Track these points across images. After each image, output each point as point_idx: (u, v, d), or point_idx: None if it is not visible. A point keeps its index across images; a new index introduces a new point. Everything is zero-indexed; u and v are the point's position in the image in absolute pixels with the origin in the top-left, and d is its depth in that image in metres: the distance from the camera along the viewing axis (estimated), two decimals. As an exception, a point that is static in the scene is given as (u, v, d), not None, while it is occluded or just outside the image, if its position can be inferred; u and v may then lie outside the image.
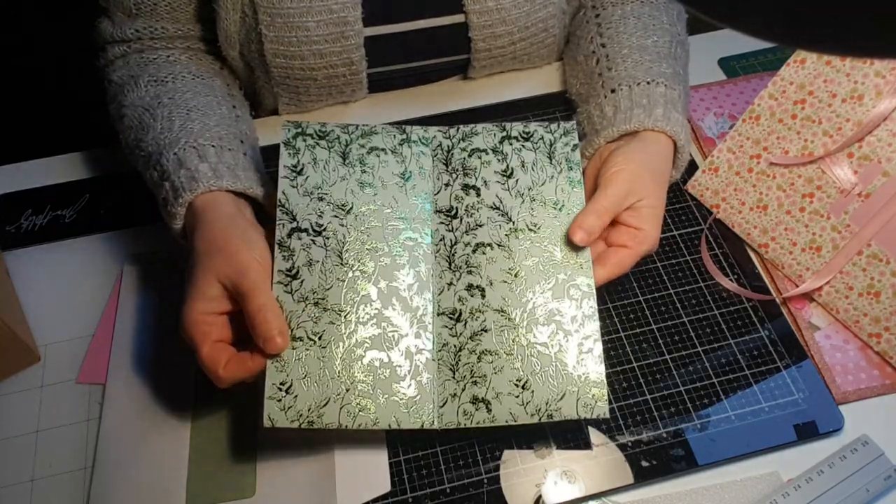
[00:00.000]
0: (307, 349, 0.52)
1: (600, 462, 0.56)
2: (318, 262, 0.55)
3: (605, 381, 0.53)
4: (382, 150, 0.60)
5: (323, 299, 0.53)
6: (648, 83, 0.65)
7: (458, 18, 0.72)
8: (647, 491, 0.56)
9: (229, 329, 0.54)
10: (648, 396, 0.59)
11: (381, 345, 0.53)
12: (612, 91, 0.67)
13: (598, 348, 0.54)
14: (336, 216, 0.57)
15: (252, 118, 0.73)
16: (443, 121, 0.78)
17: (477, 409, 0.52)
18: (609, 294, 0.65)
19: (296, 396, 0.51)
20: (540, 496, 0.55)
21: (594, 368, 0.53)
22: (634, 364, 0.61)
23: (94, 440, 0.58)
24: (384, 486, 0.55)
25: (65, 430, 0.59)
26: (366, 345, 0.53)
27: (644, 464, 0.56)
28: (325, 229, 0.56)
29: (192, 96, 0.66)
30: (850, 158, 0.62)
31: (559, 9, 0.75)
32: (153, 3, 0.68)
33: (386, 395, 0.52)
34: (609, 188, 0.59)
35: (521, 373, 0.53)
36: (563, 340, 0.54)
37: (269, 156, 0.75)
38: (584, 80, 0.72)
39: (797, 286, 0.64)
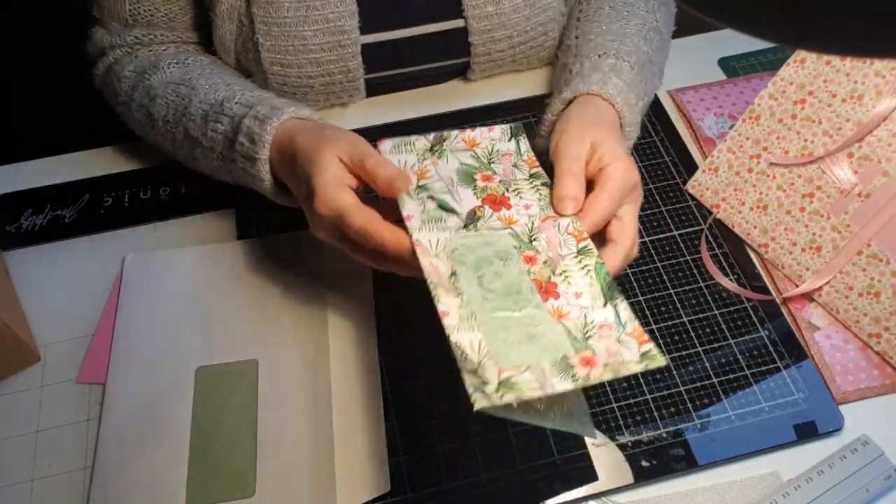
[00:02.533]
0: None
1: (600, 462, 0.56)
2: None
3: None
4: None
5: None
6: (599, 56, 0.65)
7: (458, 23, 0.72)
8: (647, 491, 0.56)
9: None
10: (648, 396, 0.59)
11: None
12: (570, 72, 0.67)
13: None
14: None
15: None
16: (442, 121, 0.78)
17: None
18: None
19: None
20: (540, 496, 0.55)
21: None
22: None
23: (94, 440, 0.58)
24: (384, 486, 0.55)
25: (65, 430, 0.59)
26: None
27: (644, 464, 0.56)
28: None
29: (219, 69, 0.67)
30: (850, 158, 0.62)
31: (558, 12, 0.75)
32: (150, 13, 0.67)
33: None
34: (561, 153, 0.57)
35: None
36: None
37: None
38: (559, 73, 0.72)
39: (797, 286, 0.64)
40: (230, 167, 0.60)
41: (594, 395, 0.59)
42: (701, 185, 0.71)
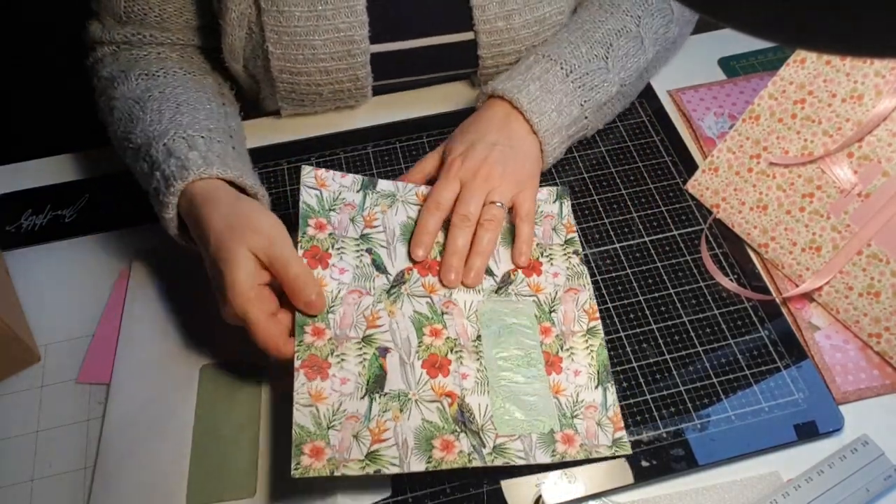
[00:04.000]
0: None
1: (600, 462, 0.56)
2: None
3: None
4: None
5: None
6: (542, 56, 0.70)
7: (468, 36, 0.72)
8: (647, 491, 0.56)
9: (276, 301, 0.54)
10: (648, 396, 0.59)
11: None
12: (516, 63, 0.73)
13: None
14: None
15: (242, 118, 0.73)
16: (443, 120, 0.78)
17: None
18: (609, 294, 0.65)
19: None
20: (540, 496, 0.55)
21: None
22: (634, 364, 0.61)
23: (95, 440, 0.58)
24: (385, 489, 0.55)
25: (65, 430, 0.59)
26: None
27: (644, 464, 0.56)
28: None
29: (182, 91, 0.66)
30: (850, 158, 0.62)
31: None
32: (143, 12, 0.67)
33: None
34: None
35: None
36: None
37: (265, 156, 0.75)
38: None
39: (797, 286, 0.64)
40: (146, 186, 0.61)
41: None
42: (701, 185, 0.71)
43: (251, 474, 0.56)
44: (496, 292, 0.61)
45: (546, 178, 0.73)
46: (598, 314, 0.61)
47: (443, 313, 0.58)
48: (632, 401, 0.59)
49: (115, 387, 0.60)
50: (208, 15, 0.69)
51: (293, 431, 0.49)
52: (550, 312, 0.61)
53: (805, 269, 0.64)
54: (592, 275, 0.66)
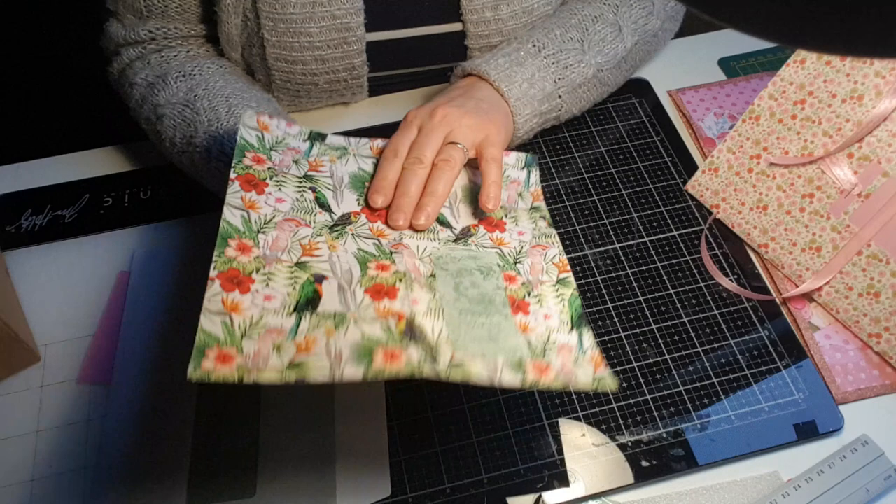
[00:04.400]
0: None
1: (600, 462, 0.56)
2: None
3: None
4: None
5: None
6: (515, 41, 0.70)
7: (457, 27, 0.72)
8: (647, 491, 0.56)
9: None
10: (648, 396, 0.59)
11: None
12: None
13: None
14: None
15: None
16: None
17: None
18: (609, 294, 0.65)
19: None
20: (540, 496, 0.55)
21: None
22: (634, 364, 0.61)
23: (95, 440, 0.58)
24: (385, 489, 0.55)
25: (65, 430, 0.59)
26: None
27: (644, 464, 0.56)
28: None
29: (223, 84, 0.66)
30: (850, 159, 0.62)
31: None
32: (164, 4, 0.67)
33: None
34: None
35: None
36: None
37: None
38: None
39: (797, 286, 0.64)
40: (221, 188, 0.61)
41: (594, 395, 0.59)
42: (701, 185, 0.71)
43: (251, 474, 0.56)
44: (454, 242, 0.56)
45: (544, 176, 0.73)
46: (568, 268, 0.56)
47: (391, 252, 0.53)
48: (632, 401, 0.59)
49: (115, 387, 0.60)
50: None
51: (197, 336, 0.43)
52: (516, 263, 0.56)
53: (805, 269, 0.64)
54: (592, 275, 0.66)
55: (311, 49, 0.68)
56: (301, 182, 0.55)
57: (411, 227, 0.56)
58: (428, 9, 0.71)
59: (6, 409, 0.60)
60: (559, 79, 0.69)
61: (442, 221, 0.58)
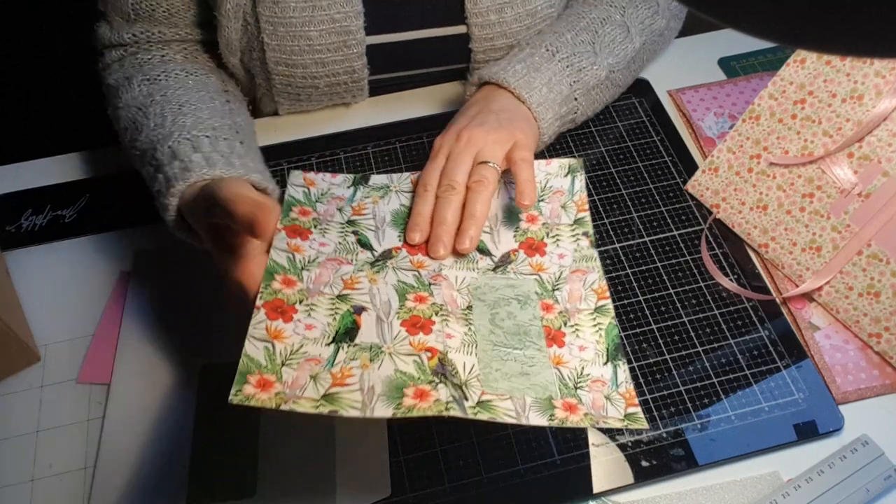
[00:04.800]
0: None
1: (600, 462, 0.56)
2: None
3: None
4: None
5: None
6: (528, 47, 0.70)
7: (460, 29, 0.72)
8: (647, 491, 0.56)
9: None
10: (648, 396, 0.59)
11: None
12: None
13: None
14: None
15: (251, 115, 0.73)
16: (443, 120, 0.78)
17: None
18: (609, 294, 0.65)
19: None
20: (540, 496, 0.55)
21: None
22: (634, 364, 0.61)
23: (95, 440, 0.58)
24: (385, 489, 0.55)
25: (65, 430, 0.59)
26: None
27: (644, 464, 0.56)
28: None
29: (183, 92, 0.65)
30: (850, 158, 0.62)
31: None
32: (151, 8, 0.67)
33: None
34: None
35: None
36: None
37: (265, 156, 0.75)
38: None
39: (797, 286, 0.64)
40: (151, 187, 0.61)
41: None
42: (701, 185, 0.71)
43: (251, 474, 0.56)
44: (493, 271, 0.57)
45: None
46: (608, 294, 0.56)
47: (430, 284, 0.54)
48: (632, 401, 0.59)
49: (115, 387, 0.60)
50: (209, 9, 0.70)
51: (241, 361, 0.45)
52: (554, 290, 0.56)
53: (805, 269, 0.64)
54: (592, 275, 0.66)
55: (310, 52, 0.68)
56: (344, 227, 0.58)
57: (455, 253, 0.57)
58: (431, 12, 0.71)
59: (6, 409, 0.60)
60: (574, 81, 0.69)
61: (482, 249, 0.59)
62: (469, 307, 0.53)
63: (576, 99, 0.70)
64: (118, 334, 0.63)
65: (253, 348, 0.46)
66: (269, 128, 0.78)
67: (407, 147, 0.76)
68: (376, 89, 0.77)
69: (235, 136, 0.63)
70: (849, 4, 0.19)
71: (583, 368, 0.52)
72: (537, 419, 0.47)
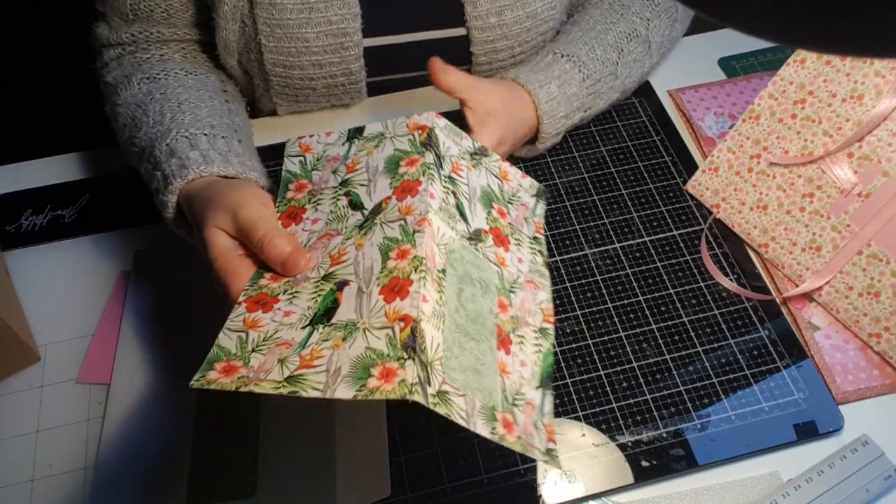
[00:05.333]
0: None
1: (600, 462, 0.56)
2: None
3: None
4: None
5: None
6: (562, 56, 0.70)
7: (460, 32, 0.72)
8: (647, 491, 0.56)
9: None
10: (648, 396, 0.59)
11: None
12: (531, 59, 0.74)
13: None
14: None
15: (248, 116, 0.73)
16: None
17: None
18: (609, 294, 0.65)
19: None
20: (540, 496, 0.55)
21: None
22: (634, 364, 0.61)
23: (95, 440, 0.58)
24: (385, 489, 0.55)
25: (65, 430, 0.59)
26: None
27: (644, 464, 0.56)
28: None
29: (183, 90, 0.66)
30: (850, 158, 0.62)
31: (559, 23, 0.75)
32: (149, 8, 0.68)
33: None
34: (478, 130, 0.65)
35: None
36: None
37: (265, 156, 0.75)
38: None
39: (797, 286, 0.64)
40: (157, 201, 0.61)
41: (594, 395, 0.59)
42: (701, 185, 0.71)
43: (251, 474, 0.56)
44: (467, 240, 0.57)
45: (545, 175, 0.73)
46: (552, 319, 0.57)
47: (414, 232, 0.54)
48: (632, 401, 0.59)
49: (115, 387, 0.60)
50: (207, 10, 0.70)
51: (211, 350, 0.46)
52: (510, 292, 0.57)
53: (805, 269, 0.64)
54: (592, 275, 0.66)
55: (308, 54, 0.68)
56: (336, 191, 0.58)
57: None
58: (429, 14, 0.71)
59: (6, 409, 0.60)
60: (589, 108, 0.72)
61: (461, 212, 0.58)
62: (443, 271, 0.53)
63: (580, 120, 0.72)
64: (118, 334, 0.63)
65: (226, 339, 0.47)
66: (268, 127, 0.78)
67: (407, 147, 0.76)
68: (374, 91, 0.77)
69: (234, 135, 0.63)
70: (849, 4, 0.19)
71: (520, 385, 0.52)
72: (482, 429, 0.47)
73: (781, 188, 0.66)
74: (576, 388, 0.60)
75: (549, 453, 0.49)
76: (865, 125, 0.60)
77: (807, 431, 0.57)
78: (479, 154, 0.62)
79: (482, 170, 0.62)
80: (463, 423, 0.46)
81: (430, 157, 0.59)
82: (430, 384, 0.46)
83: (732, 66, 0.83)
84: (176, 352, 0.62)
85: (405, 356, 0.46)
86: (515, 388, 0.51)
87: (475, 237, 0.57)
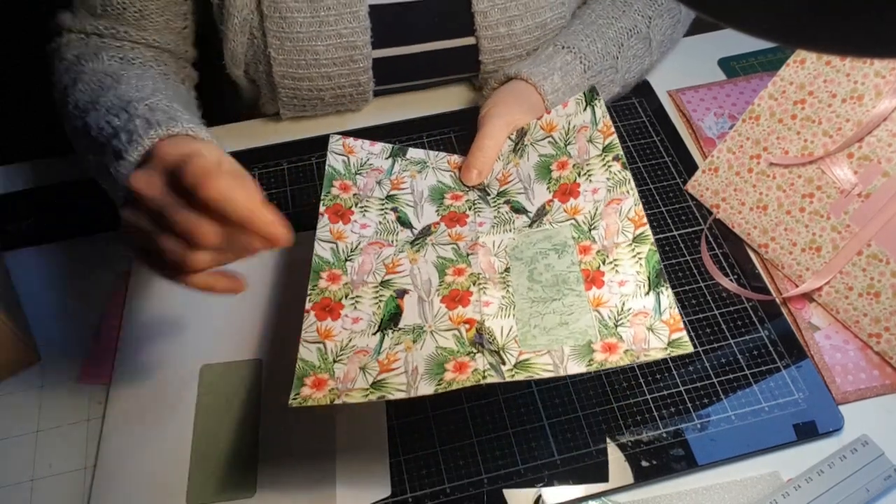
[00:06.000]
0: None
1: (600, 462, 0.56)
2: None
3: None
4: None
5: None
6: (563, 47, 0.70)
7: (469, 41, 0.72)
8: (647, 491, 0.56)
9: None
10: (648, 396, 0.59)
11: None
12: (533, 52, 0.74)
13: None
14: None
15: (241, 119, 0.75)
16: (444, 120, 0.78)
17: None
18: (646, 221, 0.64)
19: None
20: (540, 496, 0.55)
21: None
22: (634, 364, 0.61)
23: (95, 440, 0.58)
24: (385, 489, 0.55)
25: (65, 430, 0.59)
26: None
27: (644, 464, 0.56)
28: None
29: (162, 83, 0.62)
30: (850, 158, 0.62)
31: None
32: (121, 7, 0.64)
33: None
34: (484, 128, 0.65)
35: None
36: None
37: (265, 156, 0.75)
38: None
39: (797, 286, 0.64)
40: (99, 156, 0.54)
41: (594, 395, 0.59)
42: (701, 185, 0.71)
43: (251, 474, 0.56)
44: (529, 227, 0.58)
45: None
46: (645, 220, 0.56)
47: (468, 255, 0.57)
48: (632, 401, 0.59)
49: (115, 387, 0.60)
50: (190, 18, 0.68)
51: (297, 365, 0.49)
52: (591, 230, 0.57)
53: (805, 269, 0.64)
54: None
55: (317, 67, 0.68)
56: (383, 204, 0.61)
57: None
58: (439, 25, 0.71)
59: (6, 409, 0.60)
60: (565, 67, 0.71)
61: (517, 209, 0.60)
62: (507, 269, 0.56)
63: None
64: (118, 334, 0.63)
65: (307, 351, 0.50)
66: (268, 128, 0.78)
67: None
68: (381, 95, 0.77)
69: (195, 114, 0.62)
70: (849, 5, 0.19)
71: (623, 304, 0.52)
72: (575, 367, 0.49)
73: (781, 188, 0.66)
74: (576, 388, 0.60)
75: (673, 343, 0.50)
76: (865, 125, 0.60)
77: (807, 431, 0.57)
78: (517, 140, 0.64)
79: (528, 151, 0.64)
80: (551, 374, 0.49)
81: (473, 195, 0.63)
82: (504, 363, 0.50)
83: (732, 67, 0.83)
84: (176, 351, 0.62)
85: (474, 351, 0.51)
86: (618, 311, 0.52)
87: (538, 216, 0.60)
